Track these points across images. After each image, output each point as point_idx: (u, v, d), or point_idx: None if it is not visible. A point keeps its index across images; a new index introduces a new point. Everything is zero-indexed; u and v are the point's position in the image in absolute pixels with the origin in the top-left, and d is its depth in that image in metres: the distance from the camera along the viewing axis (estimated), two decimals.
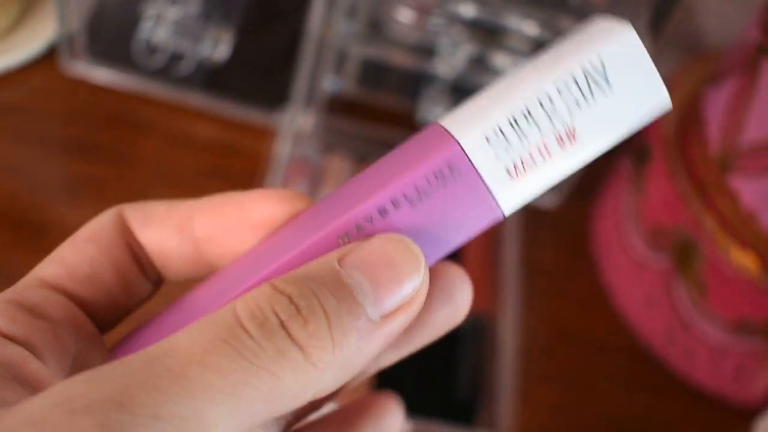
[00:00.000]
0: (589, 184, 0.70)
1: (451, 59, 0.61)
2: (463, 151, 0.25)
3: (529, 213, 0.68)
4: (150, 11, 0.62)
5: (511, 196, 0.26)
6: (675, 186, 0.58)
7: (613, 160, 0.70)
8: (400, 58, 0.62)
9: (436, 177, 0.25)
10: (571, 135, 0.25)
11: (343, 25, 0.59)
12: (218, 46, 0.63)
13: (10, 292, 0.26)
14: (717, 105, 0.57)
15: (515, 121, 0.25)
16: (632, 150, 0.66)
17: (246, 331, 0.22)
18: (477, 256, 0.63)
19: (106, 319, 0.28)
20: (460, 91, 0.64)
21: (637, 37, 0.25)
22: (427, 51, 0.62)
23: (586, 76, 0.25)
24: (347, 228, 0.26)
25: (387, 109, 0.68)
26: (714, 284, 0.58)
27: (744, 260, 0.55)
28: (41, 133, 0.64)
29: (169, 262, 0.29)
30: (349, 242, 0.25)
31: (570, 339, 0.64)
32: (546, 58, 0.26)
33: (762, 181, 0.53)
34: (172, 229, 0.28)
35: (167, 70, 0.65)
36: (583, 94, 0.25)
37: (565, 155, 0.25)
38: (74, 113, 0.66)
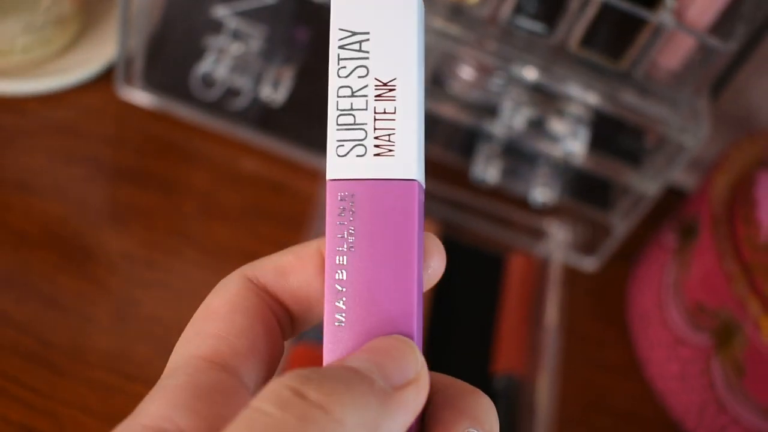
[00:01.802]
0: (628, 250, 0.70)
1: (509, 120, 0.61)
2: (333, 180, 0.27)
3: (568, 275, 0.68)
4: (212, 45, 0.62)
5: (402, 163, 0.27)
6: (721, 266, 0.58)
7: (653, 231, 0.70)
8: (458, 115, 0.62)
9: (341, 215, 0.27)
10: (384, 85, 0.27)
11: None
12: (278, 86, 0.63)
13: (182, 376, 0.25)
14: None
15: (341, 123, 0.27)
16: (678, 223, 0.66)
17: (265, 413, 0.22)
18: (514, 315, 0.63)
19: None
20: (515, 152, 0.64)
21: None
22: (486, 110, 0.62)
23: (344, 47, 0.27)
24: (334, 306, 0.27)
25: (440, 164, 0.68)
26: (753, 367, 0.58)
27: None
28: (92, 155, 0.64)
29: (317, 303, 0.28)
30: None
31: (601, 407, 0.64)
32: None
33: None
34: (312, 271, 0.28)
35: (222, 103, 0.65)
36: (359, 57, 0.27)
37: (403, 98, 0.27)
38: (125, 138, 0.66)
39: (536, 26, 0.57)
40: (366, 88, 0.27)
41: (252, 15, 0.61)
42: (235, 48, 0.62)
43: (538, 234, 0.68)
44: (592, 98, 0.58)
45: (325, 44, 0.62)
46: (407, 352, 0.25)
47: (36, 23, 0.64)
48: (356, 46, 0.27)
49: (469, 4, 0.57)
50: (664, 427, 0.64)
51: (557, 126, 0.61)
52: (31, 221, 0.59)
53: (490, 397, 0.58)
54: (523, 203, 0.68)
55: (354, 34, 0.27)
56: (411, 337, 0.26)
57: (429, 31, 0.57)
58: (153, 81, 0.65)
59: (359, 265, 0.27)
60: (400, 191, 0.27)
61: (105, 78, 0.67)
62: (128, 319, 0.56)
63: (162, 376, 0.26)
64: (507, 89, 0.60)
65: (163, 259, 0.60)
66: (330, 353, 0.27)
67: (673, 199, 0.71)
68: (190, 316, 0.57)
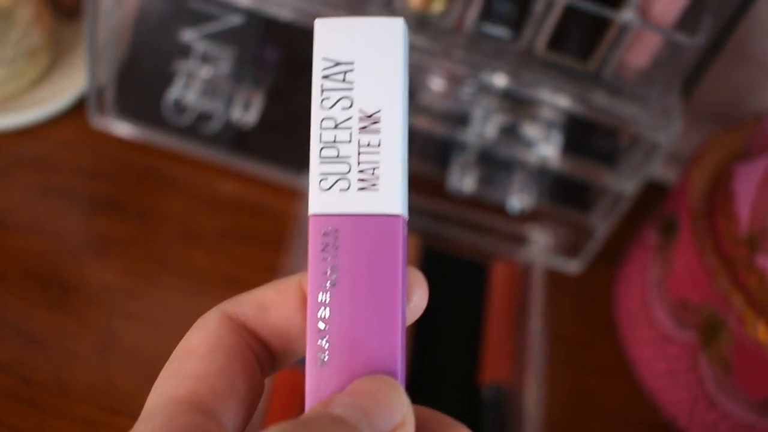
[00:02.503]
0: (611, 251, 0.70)
1: (482, 128, 0.61)
2: (316, 215, 0.27)
3: (553, 279, 0.68)
4: (181, 70, 0.62)
5: (387, 197, 0.26)
6: (702, 261, 0.58)
7: (637, 229, 0.70)
8: (430, 126, 0.62)
9: (324, 251, 0.26)
10: (368, 117, 0.27)
11: None
12: (248, 107, 0.63)
13: (159, 420, 0.25)
14: (747, 181, 0.57)
15: (324, 156, 0.27)
16: (659, 221, 0.66)
17: None
18: (499, 324, 0.63)
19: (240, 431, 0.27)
20: (490, 160, 0.64)
21: (320, 20, 0.28)
22: (458, 120, 0.62)
23: (328, 78, 0.27)
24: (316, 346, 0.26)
25: (416, 176, 0.68)
26: (739, 362, 0.57)
27: None
28: (67, 188, 0.64)
29: (298, 339, 0.28)
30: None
31: (592, 410, 0.63)
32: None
33: None
34: (293, 307, 0.28)
35: (195, 128, 0.65)
36: (343, 88, 0.27)
37: (387, 131, 0.27)
38: (100, 168, 0.66)
39: (502, 32, 0.57)
40: (350, 120, 0.27)
41: (220, 37, 0.61)
42: (205, 71, 0.62)
43: (520, 240, 0.68)
44: (563, 101, 0.58)
45: (293, 63, 0.62)
46: (393, 395, 0.25)
47: (6, 57, 0.64)
48: (340, 77, 0.27)
49: (434, 15, 0.57)
50: (656, 426, 0.63)
51: (530, 131, 0.61)
52: (8, 259, 0.59)
53: (479, 408, 0.58)
54: (502, 210, 0.68)
55: (338, 63, 0.27)
56: (395, 376, 0.26)
57: None
58: (125, 109, 0.65)
59: (343, 302, 0.26)
60: (384, 226, 0.26)
61: (78, 108, 0.67)
62: (110, 351, 0.56)
63: (139, 418, 0.25)
64: (477, 97, 0.60)
65: (143, 288, 0.60)
66: (312, 393, 0.26)
67: (656, 195, 0.71)
68: (173, 345, 0.57)
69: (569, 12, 0.55)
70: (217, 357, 0.26)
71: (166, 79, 0.63)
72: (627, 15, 0.55)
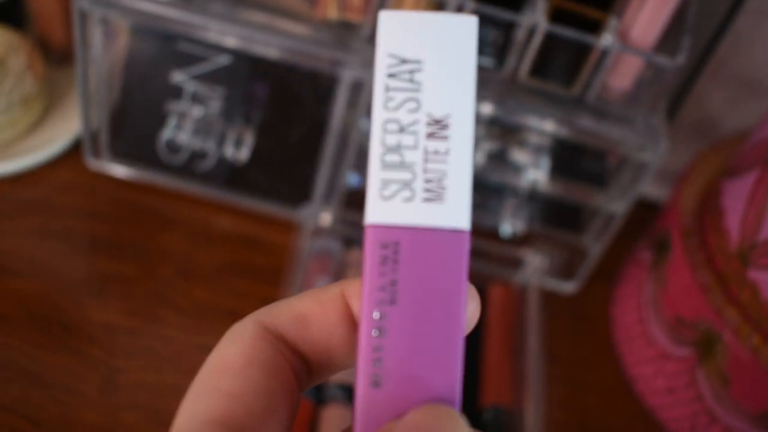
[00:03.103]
0: (607, 270, 0.71)
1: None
2: (376, 225, 0.25)
3: (548, 299, 0.69)
4: (173, 110, 0.63)
5: (453, 210, 0.25)
6: (695, 277, 0.59)
7: (632, 248, 0.71)
8: None
9: (383, 264, 0.25)
10: (436, 122, 0.25)
11: (364, 123, 0.60)
12: (240, 144, 0.64)
13: None
14: (736, 196, 0.58)
15: (387, 162, 0.25)
16: (651, 239, 0.66)
17: None
18: (497, 346, 0.63)
19: None
20: (481, 186, 0.65)
21: (386, 12, 0.25)
22: None
23: (394, 76, 0.25)
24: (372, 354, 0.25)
25: None
26: (737, 376, 0.58)
27: (766, 352, 0.55)
28: (66, 230, 0.64)
29: (339, 353, 0.26)
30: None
31: (593, 429, 0.64)
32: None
33: None
34: (334, 319, 0.26)
35: (189, 166, 0.66)
36: (410, 89, 0.25)
37: (456, 138, 0.25)
38: (98, 209, 0.67)
39: (486, 61, 0.58)
40: (417, 125, 0.25)
41: (209, 77, 0.62)
42: (196, 111, 0.63)
43: (515, 263, 0.69)
44: (549, 126, 0.59)
45: (282, 98, 0.63)
46: (454, 427, 0.23)
47: (0, 106, 0.65)
48: (407, 76, 0.25)
49: None
50: None
51: (519, 156, 0.62)
52: (10, 302, 0.60)
53: (480, 431, 0.58)
54: (496, 234, 0.68)
55: (405, 61, 0.25)
56: (454, 405, 0.24)
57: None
58: (120, 151, 0.66)
59: (401, 320, 0.24)
60: (449, 241, 0.25)
61: (73, 152, 0.68)
62: (113, 389, 0.57)
63: None
64: None
65: (143, 325, 0.60)
66: (363, 416, 0.24)
67: (650, 213, 0.72)
68: (175, 380, 0.57)
69: (550, 39, 0.56)
70: (254, 373, 0.24)
71: (158, 120, 0.64)
72: (606, 40, 0.55)
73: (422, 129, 0.25)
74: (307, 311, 0.26)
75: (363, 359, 0.24)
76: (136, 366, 0.58)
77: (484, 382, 0.61)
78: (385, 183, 0.25)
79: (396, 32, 0.25)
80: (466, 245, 0.25)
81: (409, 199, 0.25)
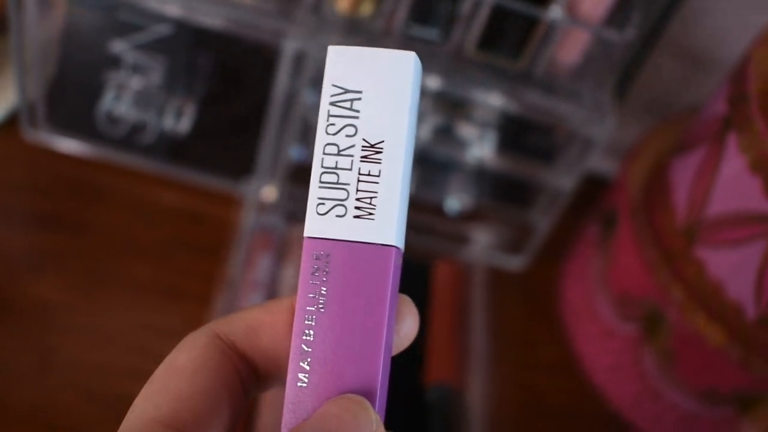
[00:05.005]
0: (556, 247, 0.70)
1: (417, 130, 0.61)
2: (310, 238, 0.27)
3: (496, 276, 0.68)
4: (112, 81, 0.61)
5: (381, 227, 0.27)
6: (642, 254, 0.58)
7: (580, 224, 0.70)
8: None
9: (315, 274, 0.27)
10: (371, 147, 0.27)
11: (308, 95, 0.59)
12: (181, 117, 0.63)
13: None
14: (683, 173, 0.57)
15: (324, 181, 0.27)
16: (600, 215, 0.66)
17: None
18: (443, 324, 0.62)
19: None
20: (427, 161, 0.64)
21: (333, 47, 0.28)
22: None
23: (335, 104, 0.28)
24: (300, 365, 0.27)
25: None
26: (682, 353, 0.58)
27: (711, 330, 0.55)
28: (2, 205, 0.63)
29: (284, 363, 0.28)
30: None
31: (539, 407, 0.63)
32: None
33: (726, 254, 0.53)
34: (282, 329, 0.28)
35: (130, 139, 0.64)
36: (349, 116, 0.27)
37: (389, 161, 0.27)
38: (36, 183, 0.65)
39: (431, 34, 0.57)
40: (353, 148, 0.27)
41: (150, 47, 0.60)
42: (136, 82, 0.61)
43: (462, 239, 0.68)
44: (496, 100, 0.58)
45: (226, 70, 0.61)
46: (360, 414, 0.25)
47: None
48: (347, 104, 0.27)
49: (363, 18, 0.56)
50: (603, 420, 0.64)
51: (465, 131, 0.61)
52: None
53: (424, 409, 0.58)
54: (442, 211, 0.68)
55: (346, 91, 0.27)
56: (373, 402, 0.26)
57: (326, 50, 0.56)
58: (58, 123, 0.64)
59: (328, 326, 0.27)
60: (376, 256, 0.27)
61: (10, 124, 0.66)
62: (49, 367, 0.55)
63: None
64: None
65: (82, 302, 0.59)
66: (289, 414, 0.26)
67: (601, 189, 0.71)
68: (115, 359, 0.57)
69: (497, 12, 0.55)
70: (201, 378, 0.26)
71: (97, 92, 0.62)
72: (554, 13, 0.55)
73: (358, 152, 0.27)
74: (258, 321, 0.28)
75: (292, 360, 0.27)
76: (73, 344, 0.57)
77: (429, 360, 0.61)
78: (322, 200, 0.27)
79: (341, 65, 0.28)
80: (392, 260, 0.27)
81: (341, 216, 0.27)
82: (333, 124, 0.27)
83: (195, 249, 0.64)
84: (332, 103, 0.27)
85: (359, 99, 0.27)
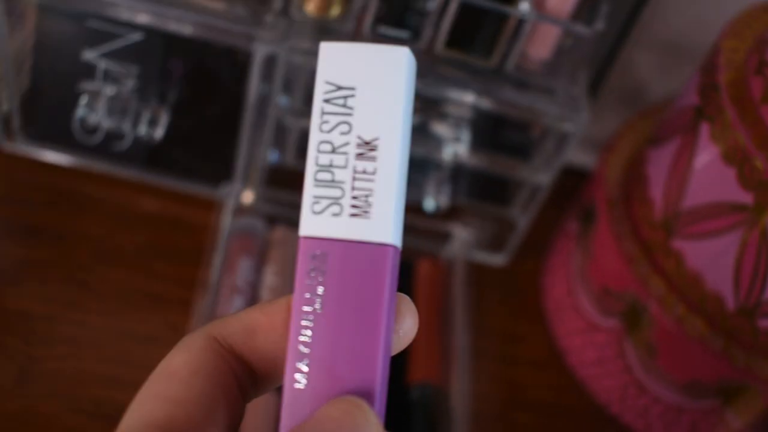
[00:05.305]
0: (536, 242, 0.70)
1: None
2: (306, 237, 0.27)
3: (477, 273, 0.68)
4: (85, 90, 0.61)
5: (378, 225, 0.26)
6: (621, 247, 0.58)
7: (560, 219, 0.70)
8: None
9: (311, 274, 0.26)
10: (365, 144, 0.27)
11: (281, 99, 0.59)
12: (156, 123, 0.63)
13: None
14: (659, 165, 0.57)
15: (319, 179, 0.27)
16: (579, 209, 0.66)
17: None
18: (425, 322, 0.62)
19: None
20: None
21: (326, 43, 0.28)
22: None
23: (329, 101, 0.27)
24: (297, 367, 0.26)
25: None
26: (664, 346, 0.57)
27: (692, 322, 0.55)
28: None
29: (282, 365, 0.27)
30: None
31: (524, 402, 0.63)
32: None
33: (704, 244, 0.53)
34: (280, 331, 0.27)
35: (106, 147, 0.64)
36: (343, 113, 0.27)
37: (384, 159, 0.27)
38: (13, 193, 0.65)
39: (401, 33, 0.57)
40: (347, 146, 0.27)
41: (121, 55, 0.60)
42: (109, 90, 0.61)
43: (442, 237, 0.68)
44: (469, 98, 0.58)
45: (198, 75, 0.61)
46: (358, 416, 0.25)
47: None
48: (341, 101, 0.27)
49: (332, 20, 0.56)
50: (589, 414, 0.64)
51: (439, 129, 0.61)
52: None
53: (408, 408, 0.58)
54: (422, 209, 0.67)
55: (340, 88, 0.27)
56: (372, 403, 0.26)
57: (298, 52, 0.56)
58: (34, 133, 0.64)
59: (325, 326, 0.26)
60: (373, 254, 0.26)
61: None
62: (30, 378, 0.55)
63: None
64: None
65: (62, 311, 0.59)
66: (287, 417, 0.26)
67: (580, 183, 0.71)
68: (97, 367, 0.57)
69: (465, 9, 0.54)
70: (197, 382, 0.25)
71: (71, 101, 0.62)
72: (522, 8, 0.54)
73: (352, 150, 0.27)
74: (255, 323, 0.27)
75: (289, 362, 0.26)
76: (54, 354, 0.57)
77: (412, 359, 0.61)
78: (317, 199, 0.27)
79: (334, 61, 0.27)
80: (389, 259, 0.26)
81: (337, 214, 0.27)
82: (327, 122, 0.27)
83: (174, 254, 0.64)
84: (325, 101, 0.27)
85: (353, 96, 0.27)
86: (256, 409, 0.54)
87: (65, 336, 0.58)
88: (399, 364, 0.60)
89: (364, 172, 0.27)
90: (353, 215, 0.26)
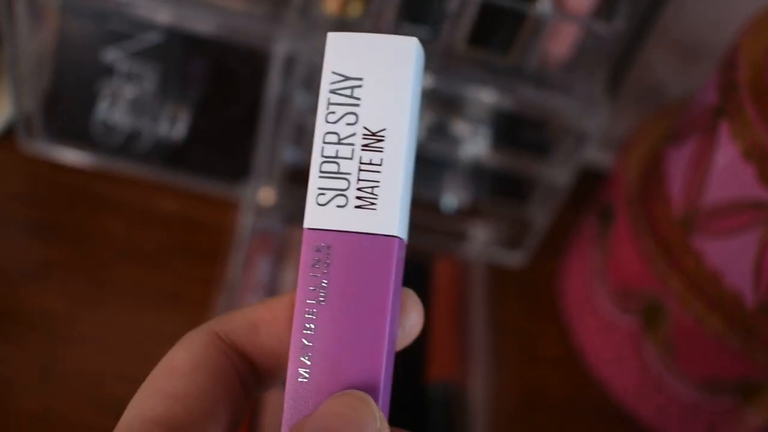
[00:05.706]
0: (554, 242, 0.70)
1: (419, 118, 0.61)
2: (310, 229, 0.26)
3: (495, 273, 0.68)
4: (106, 90, 0.62)
5: (383, 217, 0.26)
6: (640, 246, 0.58)
7: (578, 218, 0.70)
8: None
9: (315, 266, 0.26)
10: (372, 135, 0.27)
11: (300, 97, 0.59)
12: (176, 123, 0.63)
13: None
14: (678, 163, 0.57)
15: (324, 171, 0.27)
16: (597, 209, 0.66)
17: None
18: (444, 320, 0.62)
19: None
20: (421, 159, 0.64)
21: (333, 33, 0.27)
22: None
23: (335, 92, 0.27)
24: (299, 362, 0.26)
25: None
26: (682, 344, 0.57)
27: (711, 320, 0.55)
28: (2, 215, 0.63)
29: (285, 361, 0.27)
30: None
31: (542, 401, 0.63)
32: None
33: (724, 242, 0.53)
34: (283, 326, 0.27)
35: (126, 147, 0.65)
36: (349, 104, 0.27)
37: (390, 150, 0.26)
38: (35, 193, 0.65)
39: (421, 32, 0.57)
40: (353, 137, 0.26)
41: (142, 55, 0.61)
42: (129, 90, 0.62)
43: (460, 236, 0.68)
44: (488, 96, 0.58)
45: (219, 75, 0.62)
46: (363, 410, 0.24)
47: None
48: (348, 92, 0.27)
49: (352, 19, 0.57)
50: (607, 413, 0.63)
51: (458, 128, 0.61)
52: None
53: (426, 406, 0.58)
54: (440, 209, 0.68)
55: (347, 78, 0.27)
56: (376, 398, 0.25)
57: (317, 51, 0.57)
58: (55, 133, 0.65)
59: (329, 319, 0.26)
60: (378, 246, 0.26)
61: (7, 136, 0.67)
62: (51, 376, 0.56)
63: None
64: None
65: (83, 310, 0.59)
66: (290, 411, 0.26)
67: (598, 182, 0.71)
68: (117, 366, 0.57)
69: (483, 7, 0.55)
70: (199, 377, 0.25)
71: (92, 101, 0.63)
72: (542, 7, 0.55)
73: (359, 141, 0.26)
74: (258, 318, 0.27)
75: (292, 355, 0.26)
76: (74, 352, 0.57)
77: (431, 357, 0.61)
78: (322, 190, 0.26)
79: (341, 52, 0.27)
80: (395, 251, 0.26)
81: (342, 206, 0.26)
82: (333, 113, 0.27)
83: (194, 254, 0.64)
84: (332, 91, 0.27)
85: (360, 86, 0.27)
86: (274, 405, 0.54)
87: (86, 335, 0.58)
88: (418, 362, 0.61)
89: (371, 163, 0.26)
90: (358, 207, 0.26)
